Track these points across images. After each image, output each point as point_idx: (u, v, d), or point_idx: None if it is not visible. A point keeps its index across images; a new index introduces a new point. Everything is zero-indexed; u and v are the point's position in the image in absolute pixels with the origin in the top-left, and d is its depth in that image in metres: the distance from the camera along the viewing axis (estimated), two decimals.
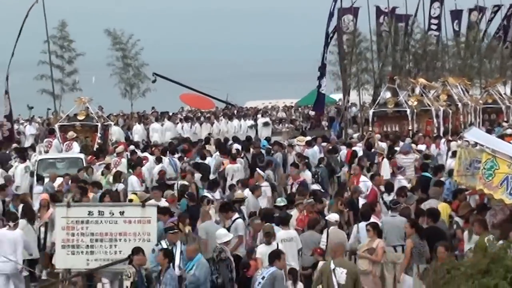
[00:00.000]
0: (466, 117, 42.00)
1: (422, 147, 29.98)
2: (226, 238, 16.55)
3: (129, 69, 52.06)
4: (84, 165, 26.89)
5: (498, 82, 48.84)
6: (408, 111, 36.22)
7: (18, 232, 17.82)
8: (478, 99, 44.48)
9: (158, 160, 27.71)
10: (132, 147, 31.77)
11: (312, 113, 54.83)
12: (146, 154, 29.64)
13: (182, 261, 16.03)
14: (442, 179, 22.26)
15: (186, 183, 23.23)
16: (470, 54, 61.75)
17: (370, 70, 50.57)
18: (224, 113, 51.44)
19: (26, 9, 38.82)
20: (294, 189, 23.23)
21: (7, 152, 33.17)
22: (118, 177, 24.58)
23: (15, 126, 42.55)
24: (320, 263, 16.38)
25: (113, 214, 16.48)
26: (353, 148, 29.19)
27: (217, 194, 22.53)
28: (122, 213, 16.50)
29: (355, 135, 37.39)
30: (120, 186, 23.99)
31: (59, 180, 24.68)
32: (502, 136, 26.11)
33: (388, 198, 20.92)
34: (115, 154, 28.50)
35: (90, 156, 28.84)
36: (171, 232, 16.42)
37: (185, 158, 28.97)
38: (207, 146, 31.45)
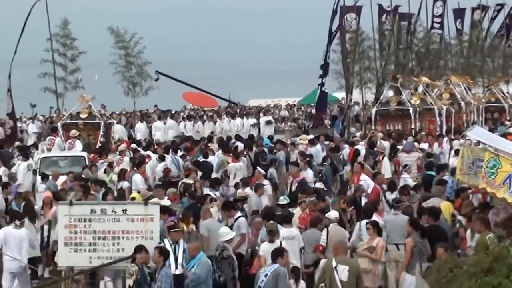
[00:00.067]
0: (469, 116, 41.98)
1: (424, 145, 29.97)
2: (229, 236, 16.57)
3: (132, 67, 52.13)
4: (87, 163, 26.92)
5: (501, 80, 48.81)
6: (411, 109, 36.19)
7: (24, 230, 17.88)
8: (481, 98, 44.45)
9: (161, 159, 27.73)
10: (133, 145, 31.78)
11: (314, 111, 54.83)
12: (148, 152, 29.65)
13: (185, 259, 16.04)
14: (445, 177, 22.25)
15: (190, 181, 23.24)
16: (473, 53, 61.84)
17: (373, 68, 50.69)
18: (226, 112, 51.41)
19: (29, 7, 38.86)
20: (293, 188, 23.26)
21: (10, 150, 33.21)
22: (123, 175, 24.63)
23: (18, 124, 42.58)
24: (322, 261, 16.42)
25: (115, 212, 16.48)
26: (356, 147, 29.19)
27: (217, 193, 22.52)
28: (124, 211, 16.50)
29: (358, 134, 37.40)
30: (125, 184, 24.02)
31: (62, 178, 24.69)
32: (504, 135, 26.10)
33: (390, 196, 20.90)
34: (117, 152, 28.53)
35: (93, 154, 28.87)
36: (174, 230, 16.42)
37: (187, 156, 28.99)
38: (210, 145, 31.47)
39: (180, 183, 23.95)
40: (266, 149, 29.24)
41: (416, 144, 29.31)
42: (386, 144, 30.24)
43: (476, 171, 16.21)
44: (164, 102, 56.64)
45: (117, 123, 38.96)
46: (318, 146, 30.00)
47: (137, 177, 24.68)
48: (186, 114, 51.24)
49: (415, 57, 56.47)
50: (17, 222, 17.87)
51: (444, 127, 37.09)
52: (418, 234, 16.52)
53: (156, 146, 31.59)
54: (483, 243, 15.05)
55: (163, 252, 15.33)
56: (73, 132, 32.34)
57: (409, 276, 16.35)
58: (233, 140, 33.14)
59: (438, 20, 57.76)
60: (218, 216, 19.41)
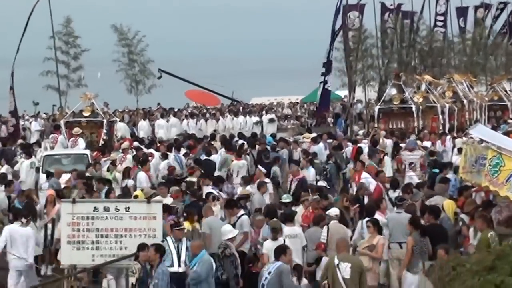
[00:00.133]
0: (472, 114, 41.98)
1: (427, 143, 29.99)
2: (231, 234, 16.56)
3: (135, 65, 52.09)
4: (90, 161, 26.94)
5: (504, 79, 48.78)
6: (414, 107, 36.21)
7: (29, 228, 17.90)
8: (484, 96, 44.45)
9: (164, 157, 27.72)
10: (136, 143, 31.80)
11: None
12: (151, 150, 29.66)
13: (188, 257, 16.04)
14: (448, 175, 22.24)
15: (194, 179, 23.23)
16: (476, 51, 61.75)
17: (376, 66, 50.62)
18: (229, 110, 51.46)
19: (32, 5, 38.89)
20: (293, 186, 23.26)
21: (13, 148, 33.23)
22: (127, 173, 24.64)
23: (21, 122, 42.62)
24: (324, 259, 16.42)
25: (118, 210, 16.48)
26: (359, 145, 29.20)
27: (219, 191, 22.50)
28: (127, 209, 16.51)
29: (361, 132, 37.42)
30: (130, 182, 24.03)
31: (64, 176, 24.71)
32: (507, 133, 26.13)
33: (393, 194, 20.91)
34: (120, 150, 28.55)
35: (96, 152, 28.89)
36: (177, 228, 16.43)
37: (190, 154, 29.00)
38: (213, 143, 31.49)
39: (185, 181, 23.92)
40: (269, 147, 29.25)
41: (419, 142, 29.35)
42: (389, 142, 30.27)
43: (479, 169, 16.20)
44: (167, 100, 56.64)
45: (120, 121, 39.01)
46: (321, 144, 30.03)
47: (141, 175, 24.69)
48: (189, 112, 51.27)
49: (418, 55, 56.43)
50: (23, 220, 17.88)
51: (447, 125, 37.10)
52: (418, 233, 16.52)
53: (159, 144, 31.59)
54: (485, 241, 15.06)
55: (159, 250, 15.31)
56: (76, 130, 32.35)
57: (410, 275, 16.34)
58: (236, 138, 33.17)
59: (441, 18, 57.75)
60: (221, 214, 19.41)
